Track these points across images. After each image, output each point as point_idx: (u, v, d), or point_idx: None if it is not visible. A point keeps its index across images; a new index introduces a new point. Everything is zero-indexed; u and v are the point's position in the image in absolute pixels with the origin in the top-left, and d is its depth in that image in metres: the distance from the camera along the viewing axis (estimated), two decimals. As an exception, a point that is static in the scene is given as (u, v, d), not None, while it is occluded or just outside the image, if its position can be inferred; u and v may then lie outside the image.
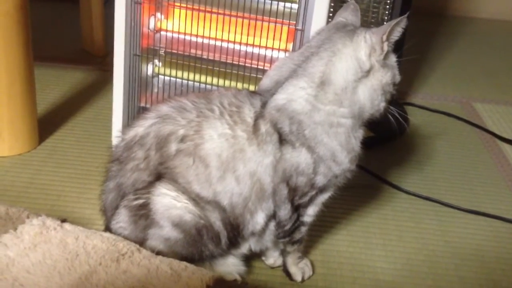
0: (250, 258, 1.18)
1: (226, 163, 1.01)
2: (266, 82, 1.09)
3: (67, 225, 1.05)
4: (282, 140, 1.03)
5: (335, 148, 1.04)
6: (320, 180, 1.06)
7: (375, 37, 1.03)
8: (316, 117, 1.02)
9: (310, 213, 1.12)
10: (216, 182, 1.02)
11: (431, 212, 1.48)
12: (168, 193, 1.02)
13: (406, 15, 1.03)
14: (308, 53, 1.06)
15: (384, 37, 1.02)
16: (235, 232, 1.07)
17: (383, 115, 1.09)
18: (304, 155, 1.03)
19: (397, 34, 1.04)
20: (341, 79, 1.02)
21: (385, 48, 1.03)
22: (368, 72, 1.03)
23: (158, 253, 1.02)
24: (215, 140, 1.02)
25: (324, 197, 1.11)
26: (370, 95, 1.04)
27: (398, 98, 2.02)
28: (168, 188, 1.02)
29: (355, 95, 1.03)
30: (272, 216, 1.08)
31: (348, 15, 1.10)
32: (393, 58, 1.07)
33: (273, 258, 1.22)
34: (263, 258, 1.22)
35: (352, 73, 1.02)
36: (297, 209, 1.09)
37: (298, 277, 1.19)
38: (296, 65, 1.05)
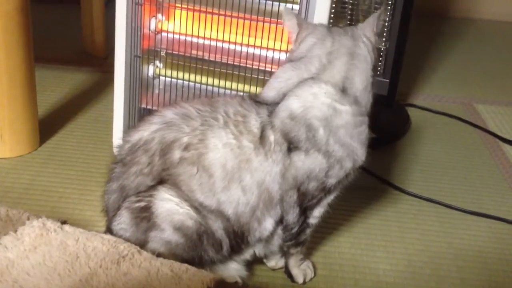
0: (252, 261, 1.18)
1: (231, 173, 1.01)
2: (271, 94, 1.07)
3: (67, 227, 1.05)
4: (291, 148, 1.03)
5: (355, 147, 1.05)
6: (331, 182, 1.06)
7: (369, 32, 1.10)
8: (338, 121, 1.03)
9: (316, 215, 1.12)
10: (221, 192, 1.02)
11: (433, 214, 1.47)
12: (171, 199, 1.02)
13: (384, 8, 1.09)
14: (320, 61, 1.06)
15: (375, 29, 1.10)
16: (238, 240, 1.06)
17: None
18: (319, 161, 1.03)
19: (379, 26, 1.13)
20: (364, 79, 1.06)
21: (373, 39, 1.10)
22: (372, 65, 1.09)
23: (159, 255, 1.01)
24: (219, 150, 1.01)
25: (330, 197, 1.11)
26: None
27: (400, 100, 2.02)
28: (171, 194, 1.02)
29: (369, 91, 1.08)
30: (280, 221, 1.08)
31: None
32: None
33: (274, 260, 1.21)
34: (265, 260, 1.22)
35: (369, 72, 1.07)
36: (304, 212, 1.09)
37: (300, 279, 1.18)
38: (308, 74, 1.05)
